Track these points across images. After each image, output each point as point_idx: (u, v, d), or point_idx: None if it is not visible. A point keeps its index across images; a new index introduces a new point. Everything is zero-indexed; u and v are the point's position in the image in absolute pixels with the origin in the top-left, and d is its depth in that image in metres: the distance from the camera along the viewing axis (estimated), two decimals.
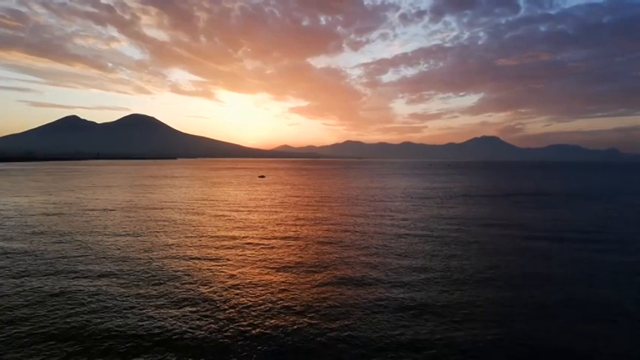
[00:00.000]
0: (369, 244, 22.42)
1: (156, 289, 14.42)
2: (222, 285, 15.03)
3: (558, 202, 44.74)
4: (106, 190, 52.41)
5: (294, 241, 22.89)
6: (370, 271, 16.96)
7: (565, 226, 28.79)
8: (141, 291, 14.28)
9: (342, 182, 79.19)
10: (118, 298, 13.58)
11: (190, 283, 15.15)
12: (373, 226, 27.95)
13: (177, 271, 16.76)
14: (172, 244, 21.70)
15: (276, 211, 35.15)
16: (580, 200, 47.54)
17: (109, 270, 16.73)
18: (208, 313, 12.46)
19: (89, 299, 13.42)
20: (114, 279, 15.55)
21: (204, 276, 16.10)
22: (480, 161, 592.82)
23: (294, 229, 26.64)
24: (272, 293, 14.26)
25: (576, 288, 15.14)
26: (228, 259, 18.75)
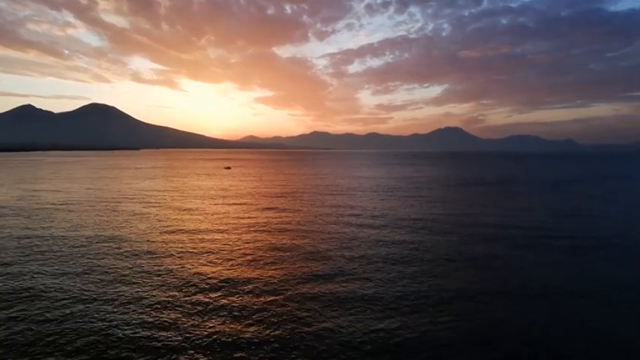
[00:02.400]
0: (335, 236, 22.22)
1: (110, 288, 13.59)
2: (179, 283, 14.36)
3: (520, 191, 46.37)
4: (61, 183, 49.64)
5: (260, 235, 22.41)
6: (335, 263, 16.75)
7: (523, 213, 29.77)
8: (90, 289, 13.40)
9: (311, 173, 78.91)
10: (73, 295, 12.68)
11: (143, 282, 14.39)
12: (338, 219, 27.81)
13: (130, 267, 15.89)
14: (127, 239, 20.61)
15: (242, 203, 34.41)
16: (539, 188, 49.50)
17: (60, 269, 15.66)
18: (167, 313, 11.82)
19: (41, 298, 12.46)
20: (68, 277, 14.55)
21: (159, 272, 15.34)
22: (445, 152, 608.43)
23: (261, 223, 26.09)
24: (231, 290, 13.76)
25: (526, 272, 15.55)
26: (187, 254, 18.00)
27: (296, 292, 13.44)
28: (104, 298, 12.73)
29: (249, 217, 27.49)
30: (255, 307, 12.19)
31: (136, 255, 17.64)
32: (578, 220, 27.27)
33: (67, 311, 11.69)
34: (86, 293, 13.08)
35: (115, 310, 11.83)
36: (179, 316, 11.48)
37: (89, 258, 17.08)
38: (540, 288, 14.04)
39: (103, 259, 16.98)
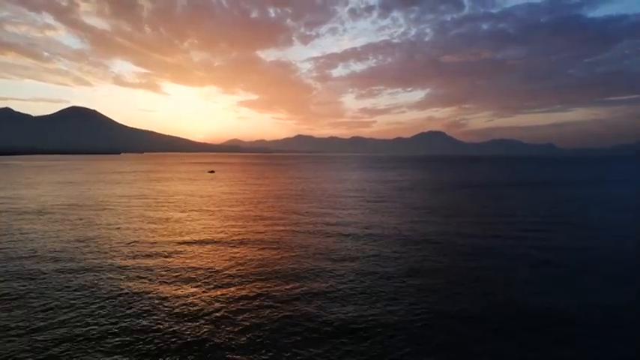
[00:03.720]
0: (314, 247, 22.48)
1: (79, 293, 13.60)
2: (159, 296, 14.44)
3: (504, 192, 47.38)
4: (33, 189, 48.66)
5: (246, 242, 22.51)
6: (320, 264, 17.05)
7: (507, 211, 30.53)
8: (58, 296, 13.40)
9: (295, 177, 78.98)
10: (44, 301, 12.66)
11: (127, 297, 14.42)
12: (319, 227, 28.07)
13: (107, 280, 15.88)
14: (92, 252, 20.49)
15: (227, 210, 34.41)
16: (525, 190, 50.66)
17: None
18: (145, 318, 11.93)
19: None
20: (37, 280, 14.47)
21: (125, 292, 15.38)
22: (428, 155, 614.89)
23: (248, 229, 26.19)
24: (206, 297, 13.91)
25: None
26: (157, 270, 18.00)
27: (277, 296, 13.71)
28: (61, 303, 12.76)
29: (232, 226, 27.47)
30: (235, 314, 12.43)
31: (100, 270, 17.21)
32: (556, 225, 28.12)
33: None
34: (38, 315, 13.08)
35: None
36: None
37: (47, 274, 16.77)
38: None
39: (66, 273, 16.64)
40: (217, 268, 16.83)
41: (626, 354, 10.40)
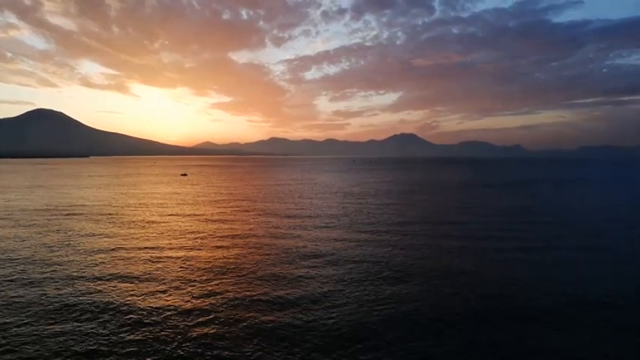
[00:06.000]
0: (286, 249, 22.24)
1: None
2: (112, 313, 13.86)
3: (475, 192, 48.42)
4: None
5: (222, 244, 22.02)
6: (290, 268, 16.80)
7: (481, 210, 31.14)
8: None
9: (272, 180, 78.33)
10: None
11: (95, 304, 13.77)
12: (292, 231, 27.83)
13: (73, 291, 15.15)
14: (73, 259, 19.62)
15: (200, 213, 33.69)
16: (497, 190, 51.93)
17: None
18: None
19: None
20: None
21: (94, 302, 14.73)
22: (401, 157, 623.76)
23: (220, 233, 25.65)
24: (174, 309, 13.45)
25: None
26: (126, 275, 17.38)
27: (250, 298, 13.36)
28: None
29: (205, 230, 26.83)
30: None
31: (70, 279, 16.62)
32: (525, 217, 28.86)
33: None
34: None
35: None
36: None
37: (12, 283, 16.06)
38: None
39: (28, 286, 15.93)
40: (189, 276, 16.21)
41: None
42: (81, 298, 13.31)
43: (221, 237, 23.28)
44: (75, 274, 15.87)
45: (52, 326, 11.23)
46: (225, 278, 15.52)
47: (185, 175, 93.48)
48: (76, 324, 11.39)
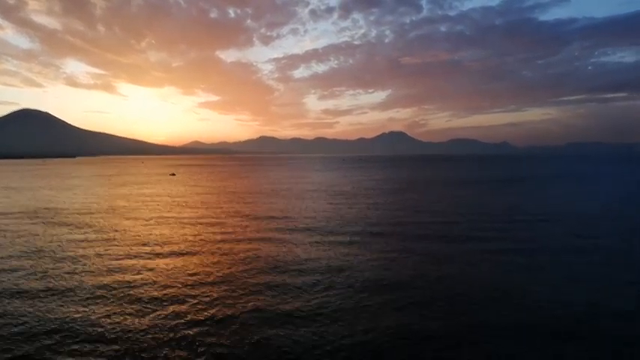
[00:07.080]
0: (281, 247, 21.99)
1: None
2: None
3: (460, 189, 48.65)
4: None
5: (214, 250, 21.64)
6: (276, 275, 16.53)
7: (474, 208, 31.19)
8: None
9: (261, 180, 77.88)
10: None
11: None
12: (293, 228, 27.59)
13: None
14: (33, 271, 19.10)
15: (189, 214, 33.21)
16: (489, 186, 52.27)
17: None
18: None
19: None
20: None
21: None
22: (391, 155, 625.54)
23: (210, 236, 25.27)
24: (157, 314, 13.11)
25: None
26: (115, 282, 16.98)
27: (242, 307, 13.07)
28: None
29: (194, 233, 26.41)
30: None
31: (41, 291, 16.25)
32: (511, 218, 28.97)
33: None
34: None
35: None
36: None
37: None
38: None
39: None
40: (176, 283, 15.82)
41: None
42: (56, 309, 12.88)
43: (211, 241, 22.81)
44: (48, 285, 15.37)
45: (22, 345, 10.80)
46: (216, 286, 15.16)
47: (174, 174, 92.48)
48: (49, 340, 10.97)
